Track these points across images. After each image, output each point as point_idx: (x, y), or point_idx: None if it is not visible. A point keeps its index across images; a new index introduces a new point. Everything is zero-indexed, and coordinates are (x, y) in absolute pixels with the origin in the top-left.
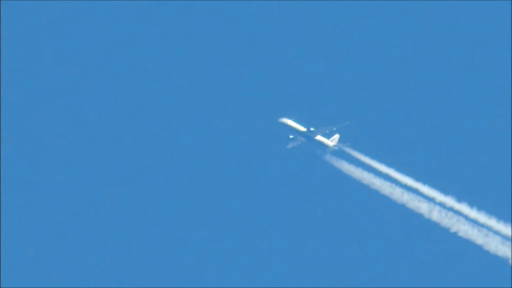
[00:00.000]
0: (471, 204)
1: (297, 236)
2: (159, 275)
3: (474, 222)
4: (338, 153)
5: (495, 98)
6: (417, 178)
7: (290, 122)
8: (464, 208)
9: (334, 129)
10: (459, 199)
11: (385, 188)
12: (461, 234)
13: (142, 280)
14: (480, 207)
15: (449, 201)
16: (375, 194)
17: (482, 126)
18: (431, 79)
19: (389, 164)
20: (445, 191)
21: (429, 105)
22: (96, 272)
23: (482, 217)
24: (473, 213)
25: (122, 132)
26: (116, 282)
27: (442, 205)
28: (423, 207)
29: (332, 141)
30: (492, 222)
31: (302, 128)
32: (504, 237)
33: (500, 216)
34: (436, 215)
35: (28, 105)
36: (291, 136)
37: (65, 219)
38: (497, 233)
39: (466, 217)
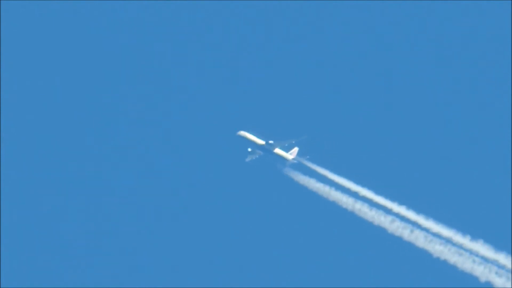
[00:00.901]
0: (424, 212)
1: (255, 250)
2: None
3: (426, 230)
4: (298, 166)
5: (494, 101)
6: (377, 191)
7: (248, 135)
8: (420, 218)
9: (293, 142)
10: (417, 210)
11: (344, 200)
12: (413, 241)
13: (142, 280)
14: (429, 215)
15: (407, 212)
16: (335, 207)
17: (449, 134)
18: (396, 90)
19: (349, 177)
20: (403, 202)
21: (390, 118)
22: (96, 272)
23: (431, 225)
24: (429, 223)
25: (121, 131)
26: (116, 282)
27: (401, 216)
28: (382, 219)
29: (291, 154)
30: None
31: (261, 141)
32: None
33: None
34: (395, 227)
35: (28, 105)
36: (249, 149)
37: (65, 219)
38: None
39: (420, 226)
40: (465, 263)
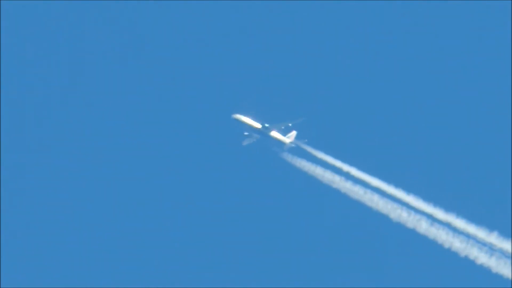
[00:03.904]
0: (416, 192)
1: (254, 234)
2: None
3: (420, 211)
4: (296, 150)
5: (494, 100)
6: (375, 174)
7: (243, 118)
8: (414, 200)
9: (290, 125)
10: (412, 192)
11: (343, 185)
12: (412, 226)
13: (142, 280)
14: (427, 199)
15: (402, 195)
16: (333, 192)
17: (449, 120)
18: (396, 74)
19: (347, 161)
20: (403, 187)
21: (389, 100)
22: (96, 272)
23: (428, 208)
24: (419, 203)
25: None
26: (116, 282)
27: (400, 201)
28: (380, 203)
29: (288, 138)
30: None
31: (257, 125)
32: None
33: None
34: (395, 213)
35: (28, 105)
36: (246, 133)
37: (65, 218)
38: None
39: (423, 213)
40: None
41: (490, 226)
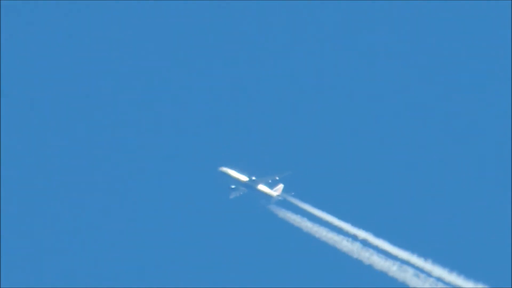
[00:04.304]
0: (407, 247)
1: None
2: None
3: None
4: (283, 203)
5: (494, 102)
6: (364, 227)
7: (230, 172)
8: (404, 253)
9: (277, 178)
10: (402, 246)
11: (331, 238)
12: (398, 276)
13: (142, 280)
14: (411, 250)
15: (392, 248)
16: (322, 244)
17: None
18: (383, 122)
19: (335, 214)
20: (391, 240)
21: (374, 153)
22: (96, 272)
23: (414, 260)
24: (407, 257)
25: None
26: (116, 282)
27: (387, 253)
28: (367, 256)
29: (276, 191)
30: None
31: (244, 178)
32: None
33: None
34: (381, 264)
35: (28, 105)
36: (233, 186)
37: (65, 219)
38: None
39: (403, 261)
40: None
41: None
